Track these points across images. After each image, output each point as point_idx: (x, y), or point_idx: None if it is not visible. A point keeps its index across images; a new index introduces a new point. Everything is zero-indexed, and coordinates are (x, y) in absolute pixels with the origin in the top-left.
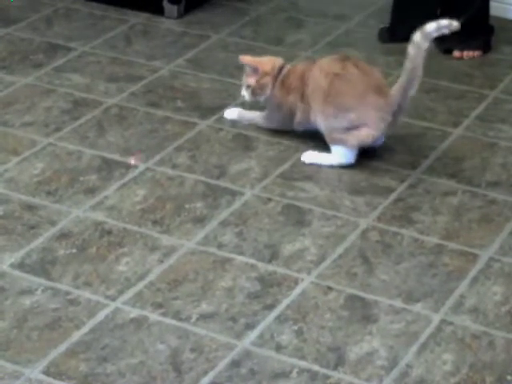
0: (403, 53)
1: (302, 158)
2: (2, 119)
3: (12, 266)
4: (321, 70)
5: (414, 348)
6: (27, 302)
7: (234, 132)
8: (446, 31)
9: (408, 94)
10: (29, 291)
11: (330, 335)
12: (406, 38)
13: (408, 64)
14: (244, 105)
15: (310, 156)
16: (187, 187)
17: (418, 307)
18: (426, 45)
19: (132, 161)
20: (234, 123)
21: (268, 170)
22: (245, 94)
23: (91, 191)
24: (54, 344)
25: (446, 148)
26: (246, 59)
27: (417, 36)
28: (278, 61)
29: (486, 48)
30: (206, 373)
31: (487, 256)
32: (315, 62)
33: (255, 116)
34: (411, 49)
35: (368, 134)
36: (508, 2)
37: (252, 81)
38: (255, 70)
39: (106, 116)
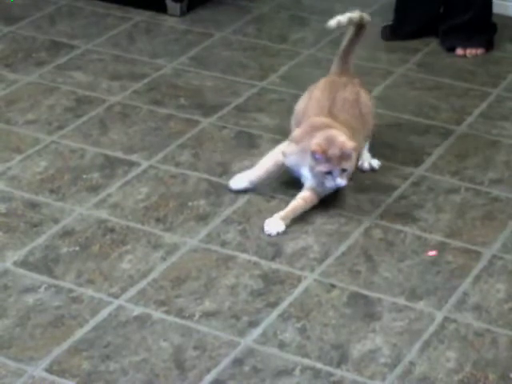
0: (406, 50)
1: (374, 165)
2: (5, 117)
3: (15, 263)
4: (356, 95)
5: (417, 345)
6: (30, 299)
7: (237, 130)
8: None
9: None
10: (32, 289)
11: (333, 333)
12: (409, 36)
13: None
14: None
15: (372, 162)
16: (190, 185)
17: (421, 305)
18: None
19: (431, 253)
20: (236, 121)
21: None
22: (341, 181)
23: (94, 189)
24: (57, 342)
25: (448, 146)
26: (349, 145)
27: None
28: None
29: (488, 46)
30: (209, 370)
31: (490, 254)
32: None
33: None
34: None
35: None
36: None
37: (349, 164)
38: (355, 150)
39: (109, 114)
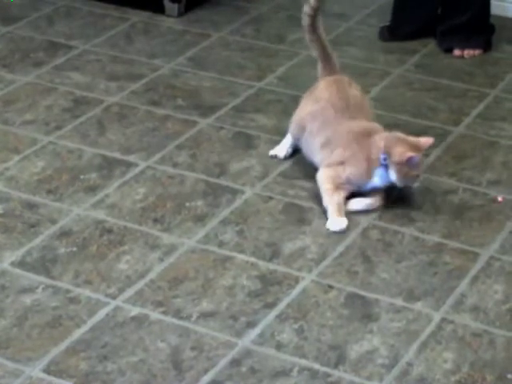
0: (404, 51)
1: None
2: (3, 117)
3: (13, 264)
4: (359, 91)
5: (415, 346)
6: (28, 300)
7: (234, 130)
8: None
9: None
10: (29, 289)
11: (331, 334)
12: (407, 37)
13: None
14: None
15: None
16: (188, 186)
17: (418, 306)
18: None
19: (499, 198)
20: (234, 122)
21: (269, 168)
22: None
23: (92, 189)
24: (55, 342)
25: (446, 146)
26: (427, 141)
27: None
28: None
29: (486, 46)
30: (206, 371)
31: (488, 255)
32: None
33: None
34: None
35: None
36: (509, 0)
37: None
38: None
39: (107, 114)
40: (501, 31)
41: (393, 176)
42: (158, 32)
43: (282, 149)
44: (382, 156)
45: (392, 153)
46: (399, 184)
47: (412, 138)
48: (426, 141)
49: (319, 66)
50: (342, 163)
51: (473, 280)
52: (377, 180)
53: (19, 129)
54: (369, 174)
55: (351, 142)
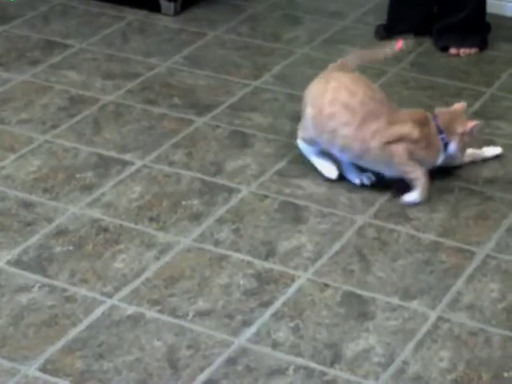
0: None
1: None
2: None
3: (8, 262)
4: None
5: (411, 345)
6: (24, 299)
7: (230, 129)
8: None
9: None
10: (25, 288)
11: (327, 332)
12: (403, 36)
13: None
14: None
15: None
16: (184, 184)
17: (414, 304)
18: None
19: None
20: (230, 120)
21: (265, 167)
22: None
23: (88, 188)
24: (51, 341)
25: None
26: (463, 104)
27: None
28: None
29: (482, 45)
30: (202, 370)
31: (484, 253)
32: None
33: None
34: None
35: None
36: None
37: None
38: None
39: (103, 113)
40: (497, 30)
41: (454, 149)
42: (153, 31)
43: (330, 170)
44: (440, 136)
45: (454, 126)
46: (460, 156)
47: (451, 109)
48: (461, 106)
49: (338, 62)
50: (410, 141)
51: (469, 278)
52: (440, 160)
53: (15, 128)
54: (437, 157)
55: (417, 128)
